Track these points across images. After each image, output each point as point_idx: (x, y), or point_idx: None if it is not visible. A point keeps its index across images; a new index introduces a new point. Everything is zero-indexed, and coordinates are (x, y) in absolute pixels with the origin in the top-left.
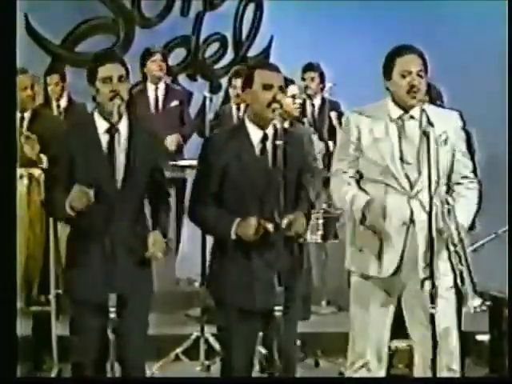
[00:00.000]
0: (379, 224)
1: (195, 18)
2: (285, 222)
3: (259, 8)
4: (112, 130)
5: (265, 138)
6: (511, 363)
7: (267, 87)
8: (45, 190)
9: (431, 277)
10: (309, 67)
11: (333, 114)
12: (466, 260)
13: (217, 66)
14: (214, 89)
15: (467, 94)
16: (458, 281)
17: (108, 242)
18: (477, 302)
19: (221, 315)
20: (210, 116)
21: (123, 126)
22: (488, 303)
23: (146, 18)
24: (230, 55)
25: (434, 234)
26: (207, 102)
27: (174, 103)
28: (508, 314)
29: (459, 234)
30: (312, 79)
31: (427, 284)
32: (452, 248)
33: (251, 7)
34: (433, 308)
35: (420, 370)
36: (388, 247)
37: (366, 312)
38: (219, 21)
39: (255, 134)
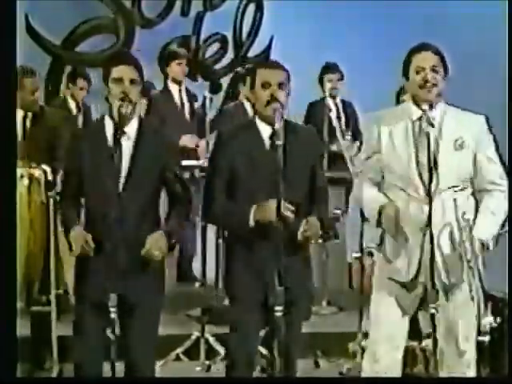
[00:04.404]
0: (392, 230)
1: (195, 18)
2: (300, 229)
3: (259, 8)
4: (119, 132)
5: (274, 133)
6: (511, 363)
7: (265, 85)
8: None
9: (432, 278)
10: (330, 68)
11: (333, 115)
12: (480, 276)
13: (217, 66)
14: (214, 89)
15: (467, 94)
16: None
17: (110, 242)
18: (487, 320)
19: (235, 311)
20: (210, 116)
21: (132, 128)
22: (499, 321)
23: (146, 18)
24: (230, 55)
25: (435, 236)
26: (207, 102)
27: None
28: (508, 314)
29: (474, 250)
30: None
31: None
32: (466, 263)
33: (251, 7)
34: (433, 308)
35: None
36: (407, 252)
37: (384, 313)
38: (219, 21)
39: (265, 130)
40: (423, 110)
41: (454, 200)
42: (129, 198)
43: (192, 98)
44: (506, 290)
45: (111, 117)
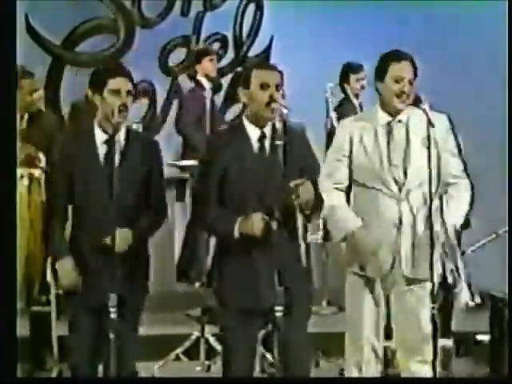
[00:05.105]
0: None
1: (195, 18)
2: (292, 185)
3: (259, 8)
4: (110, 142)
5: (263, 136)
6: (511, 363)
7: (264, 86)
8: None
9: (431, 277)
10: (356, 68)
11: (333, 115)
12: (456, 258)
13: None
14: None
15: (467, 94)
16: (449, 279)
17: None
18: (466, 296)
19: (224, 315)
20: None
21: (120, 137)
22: (478, 300)
23: (146, 18)
24: (230, 55)
25: (433, 234)
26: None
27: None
28: (508, 313)
29: (446, 232)
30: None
31: (416, 283)
32: (440, 248)
33: (251, 7)
34: (433, 308)
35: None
36: (380, 248)
37: (359, 310)
38: (219, 21)
39: (253, 132)
40: (392, 115)
41: (426, 195)
42: (116, 206)
43: None
44: (506, 290)
45: (101, 126)
